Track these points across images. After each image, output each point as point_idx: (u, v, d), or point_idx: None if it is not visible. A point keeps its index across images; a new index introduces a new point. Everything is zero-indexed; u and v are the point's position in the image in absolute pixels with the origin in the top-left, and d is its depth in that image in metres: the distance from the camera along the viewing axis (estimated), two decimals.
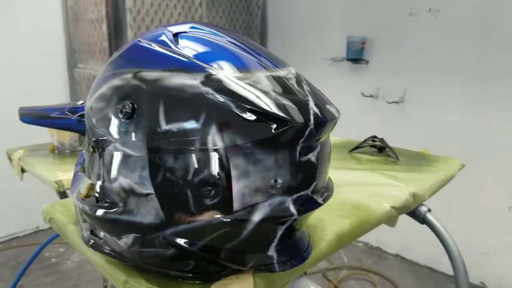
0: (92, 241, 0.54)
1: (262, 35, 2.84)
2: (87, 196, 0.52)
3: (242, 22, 2.75)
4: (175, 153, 0.43)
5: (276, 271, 0.50)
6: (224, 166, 0.43)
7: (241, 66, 0.46)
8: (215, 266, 0.49)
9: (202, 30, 0.51)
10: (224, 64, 0.46)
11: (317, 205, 0.49)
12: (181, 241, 0.46)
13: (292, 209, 0.46)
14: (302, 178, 0.46)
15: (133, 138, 0.45)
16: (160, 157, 0.44)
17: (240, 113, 0.43)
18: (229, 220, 0.44)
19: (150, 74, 0.46)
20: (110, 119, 0.47)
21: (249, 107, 0.43)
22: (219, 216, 0.44)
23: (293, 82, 0.47)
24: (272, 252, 0.50)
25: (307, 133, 0.44)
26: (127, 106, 0.45)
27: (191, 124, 0.43)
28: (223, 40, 0.50)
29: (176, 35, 0.49)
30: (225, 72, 0.45)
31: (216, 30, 0.52)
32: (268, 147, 0.43)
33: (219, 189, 0.43)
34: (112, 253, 0.51)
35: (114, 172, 0.47)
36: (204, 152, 0.42)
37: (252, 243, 0.48)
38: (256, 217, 0.44)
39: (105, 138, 0.47)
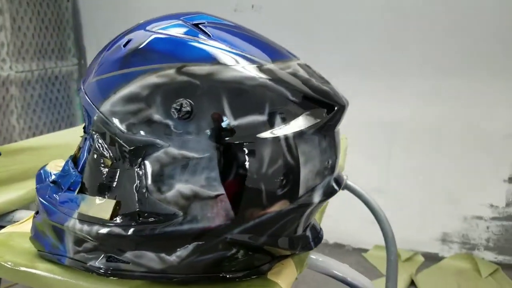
0: (111, 268, 0.46)
1: (76, 29, 2.60)
2: (111, 218, 0.45)
3: (51, 15, 2.46)
4: (248, 147, 0.42)
5: (312, 248, 0.53)
6: (293, 153, 0.43)
7: (275, 56, 0.46)
8: (260, 257, 0.49)
9: (216, 20, 0.49)
10: (261, 54, 0.46)
11: (343, 181, 0.53)
12: (246, 237, 0.45)
13: (335, 186, 0.50)
14: (336, 157, 0.50)
15: (196, 139, 0.41)
16: (232, 154, 0.41)
17: (297, 101, 0.44)
18: (295, 206, 0.45)
19: (200, 69, 0.42)
20: (157, 122, 0.42)
21: (302, 94, 0.44)
22: (287, 204, 0.45)
23: (313, 69, 0.51)
24: (308, 232, 0.52)
25: (342, 115, 0.49)
26: (185, 105, 0.41)
27: (258, 117, 0.42)
28: (241, 30, 0.49)
29: (197, 26, 0.46)
30: (268, 62, 0.45)
31: (222, 20, 0.50)
32: (322, 131, 0.46)
33: (290, 177, 0.44)
34: (150, 274, 0.46)
35: (168, 180, 0.42)
36: (276, 143, 0.42)
37: (301, 226, 0.49)
38: (316, 198, 0.47)
39: (149, 144, 0.42)
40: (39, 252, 0.53)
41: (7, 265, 0.53)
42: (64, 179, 0.50)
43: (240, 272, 0.47)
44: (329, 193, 0.48)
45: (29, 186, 0.81)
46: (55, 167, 0.55)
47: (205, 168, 0.41)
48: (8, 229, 0.63)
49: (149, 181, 0.42)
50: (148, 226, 0.43)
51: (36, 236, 0.53)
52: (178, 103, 0.41)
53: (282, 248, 0.48)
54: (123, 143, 0.43)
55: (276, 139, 0.42)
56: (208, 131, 0.41)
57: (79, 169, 0.50)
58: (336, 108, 0.45)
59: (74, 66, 2.48)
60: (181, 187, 0.42)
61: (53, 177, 0.53)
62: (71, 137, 1.13)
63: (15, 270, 0.53)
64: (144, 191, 0.43)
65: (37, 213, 0.53)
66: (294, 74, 0.45)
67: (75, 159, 0.52)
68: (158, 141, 0.42)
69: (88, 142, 0.48)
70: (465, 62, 1.96)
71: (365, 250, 2.20)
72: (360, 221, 2.25)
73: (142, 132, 0.42)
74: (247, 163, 0.42)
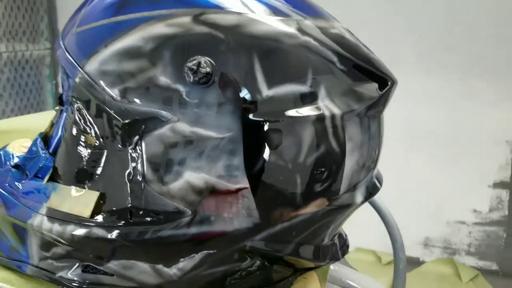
0: (88, 281, 0.35)
1: (50, 12, 2.43)
2: (92, 215, 0.34)
3: None
4: (284, 127, 0.31)
5: (340, 259, 0.43)
6: (340, 138, 0.33)
7: (317, 13, 0.36)
8: (279, 270, 0.39)
9: None
10: (302, 6, 0.35)
11: (382, 178, 0.44)
12: (270, 245, 0.35)
13: (377, 183, 0.40)
14: (381, 148, 0.41)
15: (215, 112, 0.31)
16: (262, 135, 0.31)
17: (346, 70, 0.34)
18: (334, 207, 0.35)
19: (224, 18, 0.32)
20: (163, 87, 0.31)
21: (352, 62, 0.34)
22: (325, 203, 0.35)
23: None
24: (335, 238, 0.43)
25: (392, 94, 0.39)
26: (204, 65, 0.30)
27: (299, 86, 0.32)
28: None
29: None
30: (310, 18, 0.35)
31: None
32: (372, 112, 0.36)
33: (332, 169, 0.34)
34: None
35: (174, 166, 0.31)
36: (319, 122, 0.32)
37: (332, 233, 0.40)
38: (358, 198, 0.37)
39: (150, 117, 0.31)
40: None
41: None
42: (30, 163, 0.39)
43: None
44: (371, 191, 0.39)
45: None
46: (19, 148, 0.43)
47: (225, 152, 0.31)
48: None
49: (148, 168, 0.32)
50: (143, 227, 0.32)
51: None
52: (195, 62, 0.30)
53: (307, 259, 0.38)
54: (114, 115, 0.32)
55: (320, 118, 0.32)
56: (232, 103, 0.31)
57: (51, 151, 0.38)
58: (389, 84, 0.36)
59: (46, 50, 2.31)
60: (192, 176, 0.31)
61: (16, 160, 0.41)
62: (40, 122, 1.00)
63: None
64: (140, 180, 0.32)
65: None
66: (341, 37, 0.35)
67: (46, 138, 0.41)
68: (163, 113, 0.31)
69: (65, 114, 0.36)
70: (452, 65, 1.91)
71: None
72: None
73: (141, 100, 0.31)
74: (281, 148, 0.32)
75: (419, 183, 2.02)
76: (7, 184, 0.39)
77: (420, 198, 2.03)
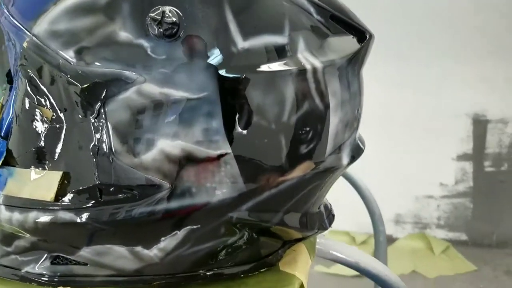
0: (59, 274, 0.32)
1: None
2: (56, 198, 0.30)
3: None
4: (264, 83, 0.29)
5: (327, 228, 0.41)
6: (323, 94, 0.31)
7: None
8: (267, 243, 0.36)
9: None
10: None
11: (363, 140, 0.42)
12: (257, 215, 0.32)
13: (361, 144, 0.38)
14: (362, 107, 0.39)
15: (186, 69, 0.28)
16: (242, 92, 0.28)
17: (323, 21, 0.32)
18: (321, 169, 0.33)
19: None
20: (124, 43, 0.28)
21: (330, 13, 0.32)
22: (312, 166, 0.32)
23: None
24: (321, 207, 0.40)
25: (370, 49, 0.37)
26: (169, 14, 0.27)
27: (276, 37, 0.29)
28: None
29: None
30: None
31: None
32: (352, 66, 0.34)
33: (317, 128, 0.31)
34: (118, 278, 0.32)
35: (145, 134, 0.28)
36: (302, 77, 0.30)
37: (319, 200, 0.38)
38: (344, 159, 0.35)
39: (113, 79, 0.27)
40: None
41: None
42: None
43: (243, 265, 0.34)
44: (355, 154, 0.37)
45: None
46: None
47: (202, 114, 0.28)
48: None
49: (115, 138, 0.28)
50: (115, 206, 0.29)
51: None
52: (158, 12, 0.27)
53: (295, 228, 0.35)
54: (70, 80, 0.28)
55: (302, 71, 0.30)
56: (204, 57, 0.28)
57: (2, 134, 0.34)
58: (367, 37, 0.34)
59: None
60: (166, 144, 0.28)
61: None
62: None
63: None
64: (108, 153, 0.28)
65: None
66: None
67: None
68: (126, 73, 0.27)
69: (14, 90, 0.32)
70: (414, 43, 1.94)
71: (321, 236, 2.15)
72: None
73: (100, 61, 0.28)
74: (262, 106, 0.29)
75: (386, 161, 2.04)
76: None
77: (388, 175, 2.05)
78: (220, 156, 0.29)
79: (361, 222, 2.09)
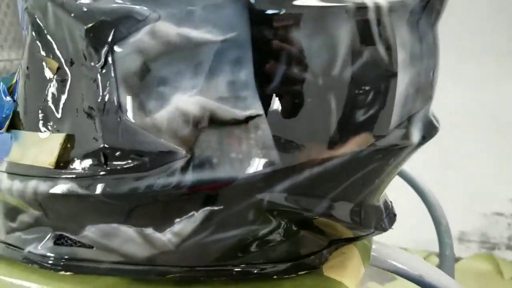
0: (64, 258, 0.27)
1: None
2: (60, 164, 0.25)
3: None
4: (311, 21, 0.22)
5: (387, 229, 0.34)
6: (389, 41, 0.24)
7: None
8: (309, 240, 0.30)
9: None
10: None
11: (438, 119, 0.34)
12: (295, 200, 0.25)
13: (434, 121, 0.30)
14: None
15: (210, 3, 0.22)
16: (280, 33, 0.22)
17: None
18: (384, 147, 0.26)
19: None
20: None
21: None
22: (371, 140, 0.25)
23: None
24: (381, 203, 0.33)
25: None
26: None
27: None
28: None
29: None
30: None
31: None
32: (428, 14, 0.27)
33: (380, 87, 0.25)
34: (126, 267, 0.26)
35: (160, 87, 0.23)
36: (361, 16, 0.23)
37: (379, 191, 0.30)
38: (415, 136, 0.27)
39: (123, 17, 0.22)
40: None
41: None
42: None
43: (278, 264, 0.28)
44: (428, 132, 0.29)
45: None
46: None
47: (228, 62, 0.22)
48: None
49: (124, 92, 0.23)
50: (122, 175, 0.23)
51: None
52: None
53: (348, 224, 0.28)
54: (74, 19, 0.23)
55: (361, 10, 0.23)
56: None
57: (15, 97, 0.30)
58: None
59: None
60: (184, 101, 0.23)
61: None
62: None
63: None
64: (115, 110, 0.23)
65: None
66: None
67: (11, 88, 0.33)
68: (137, 8, 0.22)
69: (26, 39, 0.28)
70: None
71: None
72: None
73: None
74: (306, 54, 0.23)
75: (451, 170, 1.91)
76: None
77: (452, 187, 1.90)
78: (250, 118, 0.23)
79: (419, 239, 1.95)
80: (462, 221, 1.98)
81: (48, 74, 0.26)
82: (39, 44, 0.26)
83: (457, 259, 2.00)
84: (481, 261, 1.96)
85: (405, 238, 1.75)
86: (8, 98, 0.31)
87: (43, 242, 0.28)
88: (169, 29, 0.22)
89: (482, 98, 1.85)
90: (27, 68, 0.27)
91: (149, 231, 0.25)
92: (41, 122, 0.26)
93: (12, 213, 0.28)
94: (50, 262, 0.28)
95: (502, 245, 2.01)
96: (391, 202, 0.36)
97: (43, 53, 0.26)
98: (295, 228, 0.27)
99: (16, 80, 0.32)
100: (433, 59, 0.28)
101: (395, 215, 0.35)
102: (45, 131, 0.26)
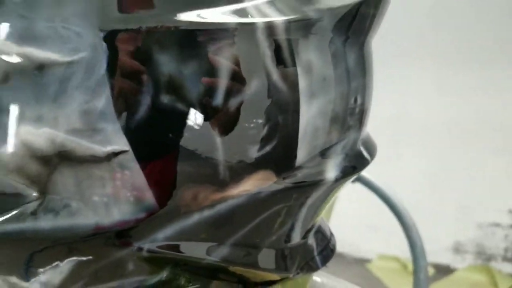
0: None
1: None
2: None
3: None
4: (182, 40, 0.19)
5: (319, 268, 0.30)
6: (286, 65, 0.20)
7: None
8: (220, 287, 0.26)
9: None
10: None
11: (375, 148, 0.30)
12: (188, 250, 0.21)
13: (364, 152, 0.26)
14: (369, 93, 0.27)
15: (55, 18, 0.18)
16: (143, 55, 0.18)
17: None
18: (289, 185, 0.22)
19: None
20: None
21: None
22: (273, 179, 0.21)
23: None
24: (311, 239, 0.29)
25: (381, 13, 0.25)
26: None
27: None
28: None
29: None
30: None
31: None
32: (348, 31, 0.23)
33: (277, 119, 0.21)
34: None
35: (2, 116, 0.19)
36: (248, 36, 0.19)
37: (299, 228, 0.26)
38: (331, 172, 0.23)
39: None
40: None
41: None
42: None
43: None
44: (355, 164, 0.25)
45: None
46: None
47: (79, 88, 0.18)
48: None
49: None
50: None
51: None
52: None
53: (261, 269, 0.24)
54: None
55: (248, 29, 0.19)
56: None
57: None
58: None
59: None
60: (30, 133, 0.19)
61: None
62: None
63: None
64: None
65: None
66: None
67: None
68: None
69: None
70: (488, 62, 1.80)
71: (368, 261, 2.00)
72: (361, 227, 2.08)
73: None
74: (177, 80, 0.19)
75: (448, 182, 1.91)
76: None
77: (449, 198, 1.91)
78: (113, 155, 0.19)
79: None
80: (458, 231, 1.97)
81: None
82: None
83: (452, 270, 1.99)
84: (477, 272, 1.93)
85: (404, 248, 1.71)
86: None
87: None
88: (9, 47, 0.18)
89: (480, 108, 1.85)
90: None
91: (14, 280, 0.21)
92: None
93: None
94: None
95: (498, 257, 1.98)
96: (331, 235, 0.32)
97: None
98: (199, 278, 0.23)
99: None
100: (357, 82, 0.24)
101: (332, 250, 0.31)
102: None
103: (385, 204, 0.64)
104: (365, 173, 0.69)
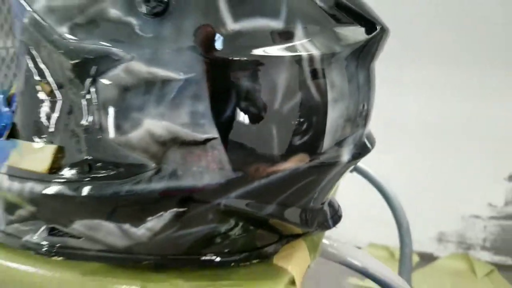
0: (56, 245, 0.33)
1: None
2: (51, 169, 0.31)
3: None
4: (254, 67, 0.28)
5: (330, 227, 0.40)
6: (320, 84, 0.30)
7: None
8: (263, 235, 0.36)
9: None
10: None
11: (374, 140, 0.40)
12: (247, 204, 0.31)
13: (368, 143, 0.36)
14: (372, 102, 0.37)
15: (174, 49, 0.28)
16: (230, 76, 0.28)
17: (327, 8, 0.31)
18: (317, 164, 0.32)
19: None
20: (114, 20, 0.28)
21: (335, 0, 0.31)
22: (307, 159, 0.31)
23: None
24: (326, 207, 0.39)
25: (383, 42, 0.35)
26: None
27: (271, 22, 0.29)
28: None
29: None
30: None
31: None
32: (359, 59, 0.33)
33: (313, 120, 0.30)
34: (109, 254, 0.32)
35: (132, 112, 0.28)
36: (296, 65, 0.29)
37: (319, 197, 0.36)
38: (345, 156, 0.33)
39: (102, 56, 0.28)
40: None
41: None
42: None
43: (236, 254, 0.34)
44: (360, 151, 0.35)
45: None
46: None
47: (188, 96, 0.28)
48: None
49: (104, 115, 0.29)
50: (103, 182, 0.29)
51: None
52: None
53: (293, 223, 0.35)
54: (63, 55, 0.29)
55: (297, 60, 0.29)
56: (192, 37, 0.28)
57: (13, 108, 0.36)
58: (378, 28, 0.32)
59: None
60: (153, 124, 0.28)
61: None
62: None
63: None
64: (97, 130, 0.29)
65: None
66: None
67: (9, 97, 0.38)
68: (114, 50, 0.28)
69: (18, 61, 0.34)
70: (475, 54, 1.87)
71: (359, 248, 2.10)
72: (353, 216, 2.16)
73: (91, 37, 0.28)
74: (252, 93, 0.28)
75: (433, 177, 1.99)
76: None
77: (434, 192, 2.00)
78: (207, 140, 0.29)
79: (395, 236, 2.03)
80: (442, 222, 2.07)
81: (42, 96, 0.31)
82: (34, 70, 0.31)
83: (435, 258, 2.08)
84: (457, 260, 2.03)
85: (393, 237, 1.78)
86: (7, 109, 0.36)
87: (38, 232, 0.33)
88: (140, 68, 0.28)
89: (463, 105, 1.91)
90: (23, 88, 0.33)
91: (126, 226, 0.31)
92: (36, 134, 0.32)
93: (11, 208, 0.34)
94: (44, 249, 0.33)
95: (477, 246, 2.07)
96: (339, 206, 0.42)
97: (37, 78, 0.31)
98: (251, 227, 0.33)
99: (15, 92, 0.37)
100: (366, 93, 0.34)
101: (340, 216, 0.41)
102: (38, 141, 0.32)
103: (377, 190, 0.75)
104: (361, 164, 0.79)
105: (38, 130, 0.32)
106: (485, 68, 1.87)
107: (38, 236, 0.33)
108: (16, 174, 0.32)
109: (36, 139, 0.32)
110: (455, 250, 2.09)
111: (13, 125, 0.34)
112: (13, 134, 0.34)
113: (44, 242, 0.33)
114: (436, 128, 1.96)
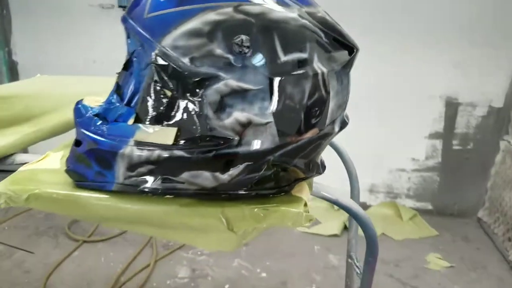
0: (168, 188, 0.53)
1: None
2: (174, 142, 0.50)
3: None
4: (295, 81, 0.50)
5: (321, 173, 0.63)
6: (327, 88, 0.52)
7: (306, 2, 0.53)
8: (286, 178, 0.57)
9: None
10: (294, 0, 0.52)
11: (348, 117, 0.63)
12: (284, 159, 0.53)
13: (346, 119, 0.60)
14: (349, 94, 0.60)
15: (252, 72, 0.48)
16: (281, 86, 0.49)
17: (328, 42, 0.52)
18: (322, 134, 0.55)
19: (253, 8, 0.48)
20: (219, 56, 0.48)
21: (332, 37, 0.53)
22: (317, 132, 0.54)
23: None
24: (319, 161, 0.62)
25: (356, 57, 0.58)
26: (246, 41, 0.47)
27: (302, 54, 0.50)
28: None
29: None
30: (303, 6, 0.51)
31: None
32: (344, 69, 0.55)
33: (322, 108, 0.53)
34: (202, 191, 0.53)
35: (227, 108, 0.49)
36: (315, 78, 0.51)
37: (319, 154, 0.59)
38: (336, 128, 0.56)
39: (211, 76, 0.48)
40: (77, 183, 0.56)
41: (50, 191, 0.55)
42: (110, 112, 0.55)
43: (273, 189, 0.56)
44: (342, 125, 0.58)
45: (23, 131, 0.81)
46: (93, 102, 0.58)
47: (259, 98, 0.49)
48: (26, 167, 0.64)
49: (209, 110, 0.49)
50: (208, 148, 0.50)
51: (76, 167, 0.56)
52: (239, 39, 0.47)
53: (304, 170, 0.57)
54: (186, 75, 0.48)
55: (315, 74, 0.51)
56: (263, 65, 0.48)
57: (125, 103, 0.54)
58: (355, 50, 0.55)
59: None
60: (238, 115, 0.49)
61: (95, 110, 0.56)
62: (45, 84, 1.10)
63: (54, 198, 0.55)
64: (205, 118, 0.49)
65: (76, 145, 0.56)
66: (324, 19, 0.52)
67: (118, 94, 0.56)
68: (219, 73, 0.48)
69: (134, 75, 0.52)
70: (398, 22, 2.06)
71: None
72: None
73: (204, 66, 0.48)
74: (292, 95, 0.50)
75: (365, 136, 2.22)
76: (92, 128, 0.54)
77: (367, 149, 2.23)
78: (267, 123, 0.50)
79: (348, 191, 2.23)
80: (373, 176, 2.35)
81: (165, 98, 0.51)
82: (160, 82, 0.50)
83: (368, 206, 2.35)
84: (386, 207, 2.34)
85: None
86: (120, 104, 0.55)
87: (154, 181, 0.53)
88: (233, 83, 0.48)
89: (398, 74, 2.11)
90: (150, 92, 0.51)
91: (217, 174, 0.52)
92: (157, 121, 0.51)
93: (133, 167, 0.52)
94: (160, 191, 0.53)
95: (402, 195, 2.38)
96: (323, 159, 0.66)
97: (162, 87, 0.50)
98: (281, 173, 0.55)
99: (124, 90, 0.55)
100: (347, 90, 0.56)
101: (325, 166, 0.64)
102: (160, 126, 0.51)
103: (333, 150, 0.99)
104: None
105: (160, 118, 0.51)
106: (408, 36, 2.07)
107: (154, 183, 0.53)
108: (144, 146, 0.51)
109: (158, 125, 0.51)
110: (384, 199, 2.39)
111: (136, 115, 0.52)
112: (135, 120, 0.53)
113: (160, 187, 0.53)
114: (369, 90, 2.15)
